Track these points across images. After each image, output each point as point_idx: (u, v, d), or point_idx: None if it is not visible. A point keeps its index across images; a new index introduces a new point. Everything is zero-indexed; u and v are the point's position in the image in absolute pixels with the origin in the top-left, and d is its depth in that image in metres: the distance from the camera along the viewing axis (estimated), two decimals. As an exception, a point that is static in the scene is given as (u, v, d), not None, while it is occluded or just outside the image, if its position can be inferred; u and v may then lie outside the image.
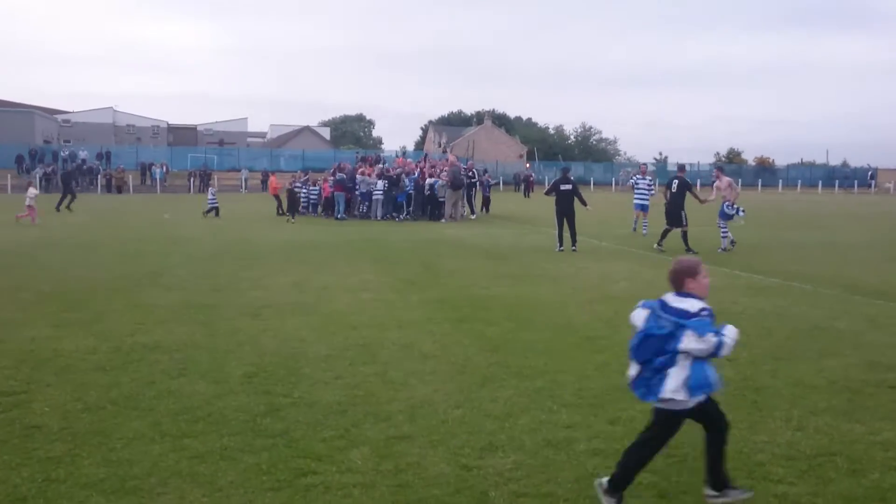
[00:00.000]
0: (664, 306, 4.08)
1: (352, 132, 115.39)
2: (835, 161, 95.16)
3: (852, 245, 19.13)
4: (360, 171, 28.74)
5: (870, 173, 76.99)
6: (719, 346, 3.91)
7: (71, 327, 8.37)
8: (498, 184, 54.52)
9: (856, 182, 74.97)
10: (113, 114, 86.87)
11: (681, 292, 4.14)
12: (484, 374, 6.68)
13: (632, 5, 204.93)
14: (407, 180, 27.99)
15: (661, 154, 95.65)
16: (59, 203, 29.34)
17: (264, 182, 54.04)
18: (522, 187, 51.08)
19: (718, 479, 4.14)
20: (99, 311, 9.31)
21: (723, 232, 17.22)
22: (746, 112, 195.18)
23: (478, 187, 30.53)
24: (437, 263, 14.41)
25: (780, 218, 30.72)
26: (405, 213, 27.68)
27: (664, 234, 17.07)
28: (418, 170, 29.11)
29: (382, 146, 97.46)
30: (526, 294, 10.92)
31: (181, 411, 5.59)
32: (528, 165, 62.74)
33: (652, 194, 21.86)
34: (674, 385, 3.93)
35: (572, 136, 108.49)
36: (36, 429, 5.22)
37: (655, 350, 4.00)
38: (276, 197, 29.34)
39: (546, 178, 57.98)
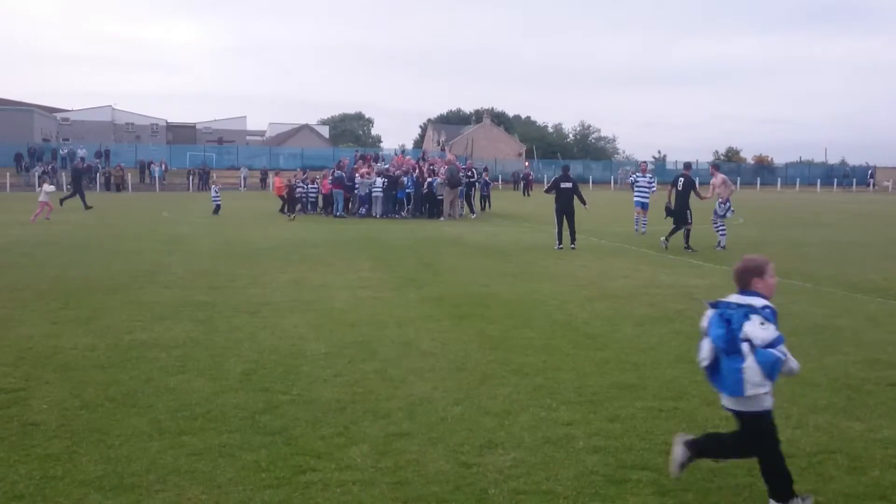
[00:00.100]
0: (729, 305, 4.03)
1: (351, 130, 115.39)
2: (833, 160, 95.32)
3: (852, 243, 19.12)
4: (358, 171, 28.72)
5: (869, 172, 77.01)
6: (779, 341, 3.85)
7: (69, 325, 8.35)
8: (497, 183, 54.46)
9: (854, 181, 75.00)
10: (112, 112, 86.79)
11: (746, 291, 4.10)
12: (483, 371, 6.67)
13: (631, 4, 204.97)
14: (406, 179, 27.98)
15: (659, 152, 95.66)
16: (83, 201, 29.07)
17: (263, 180, 54.23)
18: (522, 186, 51.05)
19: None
20: (97, 308, 9.30)
21: (721, 230, 17.22)
22: (745, 111, 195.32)
23: (477, 186, 30.52)
24: (437, 261, 14.40)
25: (779, 216, 30.72)
26: (405, 210, 27.68)
27: (672, 232, 17.03)
28: (417, 169, 29.10)
29: (381, 144, 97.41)
30: (525, 292, 10.91)
31: (180, 408, 5.58)
32: (526, 164, 62.71)
33: (653, 192, 21.76)
34: (752, 377, 3.88)
35: (571, 135, 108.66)
36: (34, 426, 5.20)
37: (724, 347, 3.96)
38: (282, 196, 29.28)
39: (545, 176, 57.97)
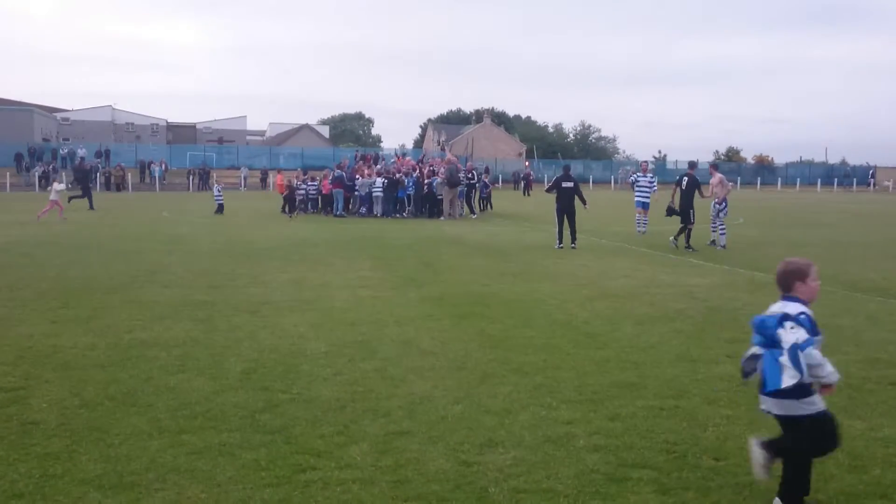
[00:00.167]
0: (766, 319, 4.02)
1: (351, 130, 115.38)
2: (833, 160, 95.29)
3: (852, 243, 19.11)
4: (358, 172, 28.71)
5: (871, 171, 76.97)
6: (808, 343, 3.86)
7: (69, 324, 8.35)
8: (497, 184, 54.43)
9: (854, 180, 74.98)
10: (112, 112, 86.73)
11: (787, 296, 4.08)
12: (483, 370, 6.66)
13: (631, 4, 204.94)
14: (407, 179, 27.97)
15: (660, 152, 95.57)
16: (71, 198, 29.11)
17: (263, 180, 54.24)
18: (522, 185, 51.03)
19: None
20: (97, 307, 9.29)
21: (721, 230, 17.22)
22: (745, 111, 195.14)
23: (477, 188, 30.49)
24: (437, 261, 14.39)
25: (779, 216, 30.72)
26: (406, 210, 27.68)
27: (681, 231, 17.01)
28: (417, 170, 29.08)
29: (381, 144, 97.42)
30: (525, 291, 10.90)
31: (179, 407, 5.57)
32: (527, 164, 62.68)
33: (654, 191, 21.69)
34: (788, 373, 3.89)
35: (571, 135, 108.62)
36: (34, 425, 5.19)
37: (764, 344, 4.01)
38: (284, 195, 29.25)
39: (545, 176, 57.97)
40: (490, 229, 22.43)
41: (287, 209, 27.93)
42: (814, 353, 3.90)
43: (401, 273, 12.66)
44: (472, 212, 28.98)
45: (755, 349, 4.15)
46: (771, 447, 4.08)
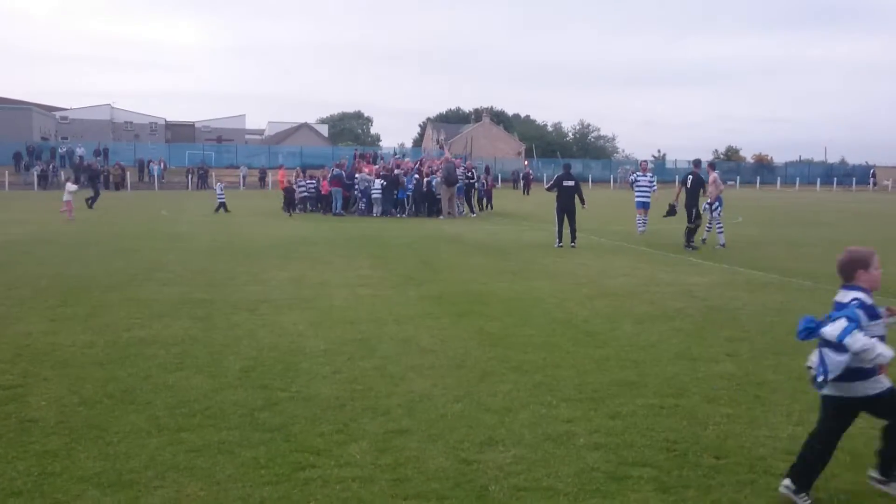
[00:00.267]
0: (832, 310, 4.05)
1: (350, 129, 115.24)
2: (832, 159, 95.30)
3: (852, 242, 19.04)
4: (357, 169, 28.71)
5: (871, 171, 76.98)
6: (848, 330, 3.84)
7: (67, 322, 8.33)
8: (496, 184, 54.41)
9: (854, 179, 75.01)
10: (111, 111, 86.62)
11: (847, 285, 4.09)
12: (483, 368, 6.65)
13: (631, 4, 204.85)
14: (406, 179, 27.96)
15: (659, 151, 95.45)
16: (93, 200, 29.18)
17: (262, 179, 54.23)
18: (522, 185, 51.01)
19: (889, 468, 4.15)
20: (96, 305, 9.28)
21: (718, 228, 17.22)
22: (745, 110, 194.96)
23: (476, 187, 30.46)
24: (436, 259, 14.38)
25: (778, 215, 30.72)
26: (405, 211, 27.66)
27: (691, 231, 16.95)
28: (416, 168, 29.05)
29: (381, 143, 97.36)
30: (525, 289, 10.89)
31: (178, 405, 5.55)
32: (526, 163, 62.67)
33: (654, 191, 21.61)
34: (828, 363, 3.94)
35: (571, 134, 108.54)
36: (32, 422, 5.18)
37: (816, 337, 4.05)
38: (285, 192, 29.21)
39: (545, 175, 57.95)
40: (489, 228, 22.42)
41: (286, 207, 27.93)
42: (853, 341, 3.87)
43: (400, 272, 12.64)
44: (472, 210, 28.97)
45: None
46: (799, 483, 4.09)
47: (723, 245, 16.93)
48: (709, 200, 17.10)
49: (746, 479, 4.36)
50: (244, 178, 54.52)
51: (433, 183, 27.25)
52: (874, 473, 4.25)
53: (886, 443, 4.20)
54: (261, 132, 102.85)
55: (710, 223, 17.42)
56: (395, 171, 28.56)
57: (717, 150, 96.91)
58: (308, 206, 29.00)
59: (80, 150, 56.82)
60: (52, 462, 4.51)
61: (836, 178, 75.09)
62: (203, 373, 6.40)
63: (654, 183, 22.02)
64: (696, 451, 4.78)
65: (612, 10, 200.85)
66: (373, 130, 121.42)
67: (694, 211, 16.75)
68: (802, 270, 13.18)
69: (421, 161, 31.19)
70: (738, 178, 70.95)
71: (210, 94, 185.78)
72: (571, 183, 17.16)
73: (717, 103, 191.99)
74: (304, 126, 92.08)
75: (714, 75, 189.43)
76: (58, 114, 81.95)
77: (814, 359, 4.10)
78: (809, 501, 4.04)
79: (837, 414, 4.12)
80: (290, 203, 27.82)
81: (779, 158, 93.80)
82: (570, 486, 4.26)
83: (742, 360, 7.00)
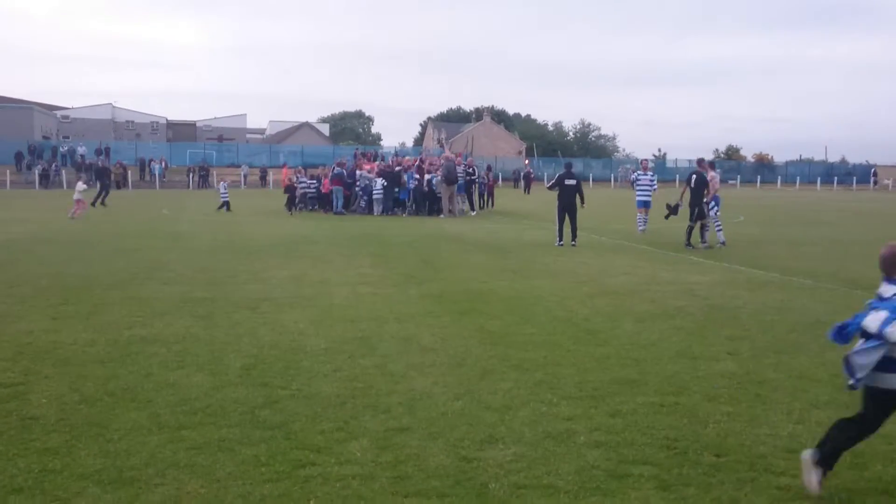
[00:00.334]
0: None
1: (351, 128, 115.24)
2: (833, 158, 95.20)
3: (853, 241, 19.10)
4: (359, 167, 28.72)
5: (872, 170, 76.90)
6: (888, 323, 3.88)
7: (69, 320, 8.34)
8: (497, 182, 54.42)
9: (854, 179, 74.93)
10: (112, 110, 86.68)
11: (890, 278, 4.11)
12: (483, 366, 6.65)
13: (631, 3, 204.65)
14: (407, 177, 27.96)
15: (660, 151, 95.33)
16: (96, 199, 29.24)
17: (263, 178, 54.23)
18: (523, 184, 50.97)
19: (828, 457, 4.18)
20: (97, 304, 9.28)
21: (717, 226, 17.21)
22: (745, 110, 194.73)
23: (476, 182, 30.44)
24: (437, 258, 14.38)
25: (779, 214, 30.70)
26: (406, 210, 27.66)
27: (703, 231, 16.92)
28: (416, 164, 29.03)
29: (382, 142, 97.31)
30: (526, 288, 10.89)
31: (179, 403, 5.56)
32: (526, 162, 62.63)
33: (654, 190, 21.58)
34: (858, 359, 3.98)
35: (571, 133, 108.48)
36: (33, 420, 5.19)
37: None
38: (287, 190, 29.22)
39: (545, 174, 57.94)
40: (490, 227, 22.42)
41: (289, 206, 27.96)
42: (892, 331, 3.91)
43: (401, 270, 12.64)
44: (472, 208, 28.95)
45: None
46: (821, 461, 4.14)
47: (723, 243, 16.93)
48: (705, 200, 17.09)
49: (747, 477, 4.36)
50: (245, 177, 54.54)
51: (433, 182, 27.24)
52: (809, 453, 4.21)
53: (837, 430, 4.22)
54: (262, 131, 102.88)
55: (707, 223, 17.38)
56: (397, 168, 28.54)
57: (717, 150, 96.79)
58: (308, 204, 28.96)
59: (81, 150, 56.83)
60: (52, 459, 4.51)
61: (836, 178, 74.99)
62: (204, 371, 6.41)
63: (655, 182, 21.99)
64: (696, 450, 4.78)
65: (612, 10, 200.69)
66: (374, 130, 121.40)
67: (696, 210, 16.73)
68: (803, 269, 13.17)
69: (422, 158, 31.17)
70: (739, 177, 70.88)
71: (211, 93, 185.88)
72: (573, 182, 17.17)
73: (718, 103, 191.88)
74: (306, 125, 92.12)
75: (714, 75, 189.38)
76: (59, 113, 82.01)
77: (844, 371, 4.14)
78: (822, 477, 4.09)
79: (877, 405, 4.16)
80: (291, 201, 27.86)
81: (779, 158, 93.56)
82: (571, 484, 4.26)
83: (743, 358, 7.00)
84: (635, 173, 23.76)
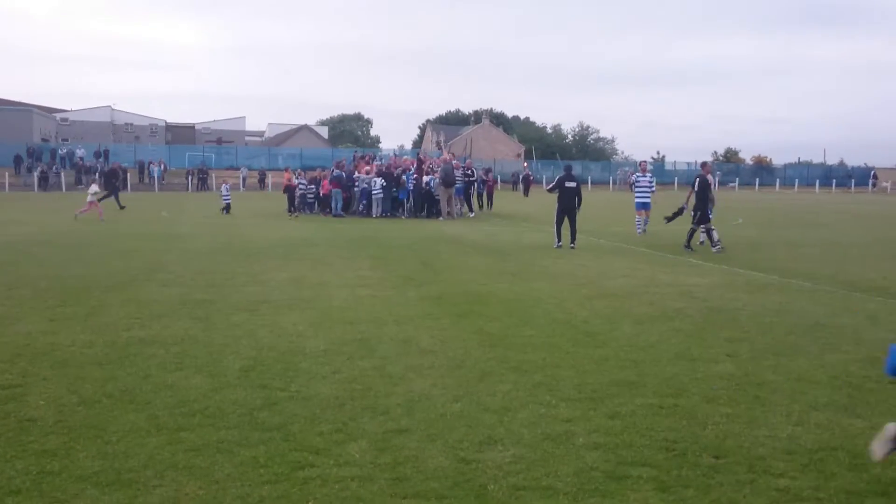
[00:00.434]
0: None
1: (350, 131, 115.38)
2: (831, 161, 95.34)
3: (851, 243, 19.11)
4: (357, 169, 28.73)
5: (872, 172, 77.00)
6: None
7: (67, 322, 8.32)
8: (496, 184, 54.42)
9: (853, 181, 75.02)
10: (111, 112, 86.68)
11: None
12: (482, 368, 6.65)
13: (631, 4, 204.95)
14: (406, 177, 27.98)
15: (658, 153, 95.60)
16: (117, 202, 29.15)
17: (262, 180, 54.25)
18: (522, 187, 51.01)
19: None
20: (95, 306, 9.27)
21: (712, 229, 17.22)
22: (744, 111, 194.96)
23: (475, 186, 30.46)
24: (436, 260, 14.38)
25: (777, 216, 30.72)
26: (404, 211, 27.67)
27: (709, 234, 16.92)
28: (414, 166, 29.04)
29: (380, 145, 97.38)
30: (525, 290, 10.88)
31: (177, 405, 5.55)
32: (525, 165, 62.70)
33: (653, 192, 21.58)
34: None
35: (570, 136, 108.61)
36: (31, 422, 5.17)
37: None
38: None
39: (544, 177, 57.97)
40: (489, 229, 22.42)
41: (290, 208, 27.99)
42: None
43: (400, 272, 12.64)
44: (471, 210, 28.95)
45: None
46: None
47: (702, 243, 16.89)
48: (689, 201, 17.12)
49: (746, 479, 4.36)
50: (244, 179, 54.57)
51: (431, 184, 27.26)
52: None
53: None
54: (261, 134, 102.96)
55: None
56: (396, 172, 28.53)
57: (715, 152, 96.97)
58: (306, 207, 28.93)
59: (80, 152, 56.85)
60: (50, 461, 4.50)
61: (834, 180, 75.10)
62: (202, 372, 6.40)
63: (654, 184, 21.99)
64: (695, 451, 4.77)
65: (612, 10, 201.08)
66: (372, 132, 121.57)
67: (699, 214, 16.72)
68: (802, 271, 13.18)
69: (420, 158, 31.19)
70: (738, 179, 70.97)
71: (210, 95, 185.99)
72: (573, 184, 17.19)
73: (717, 104, 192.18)
74: (304, 128, 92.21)
75: (714, 76, 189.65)
76: (58, 115, 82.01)
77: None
78: (889, 453, 4.16)
79: None
80: (291, 201, 27.89)
81: (778, 160, 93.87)
82: (570, 486, 4.25)
83: (741, 360, 6.99)
84: (635, 175, 23.78)
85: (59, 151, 57.58)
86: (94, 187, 25.79)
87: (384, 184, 27.34)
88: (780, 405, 5.72)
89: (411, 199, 27.83)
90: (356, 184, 28.11)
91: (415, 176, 28.04)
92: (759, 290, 11.13)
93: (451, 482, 4.28)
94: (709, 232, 16.86)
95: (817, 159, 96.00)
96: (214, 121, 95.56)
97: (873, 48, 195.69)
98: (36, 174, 49.43)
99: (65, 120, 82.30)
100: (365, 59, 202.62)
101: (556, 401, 5.75)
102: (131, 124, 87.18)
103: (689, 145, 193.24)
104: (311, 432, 5.04)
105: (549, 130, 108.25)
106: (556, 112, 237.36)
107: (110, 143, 68.09)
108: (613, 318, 8.91)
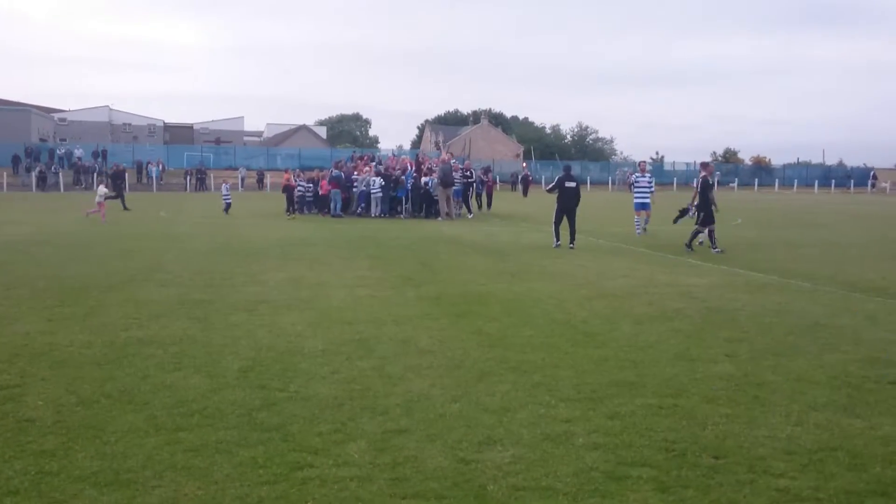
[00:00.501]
0: None
1: (348, 131, 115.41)
2: (830, 161, 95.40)
3: (850, 243, 19.12)
4: (356, 170, 28.73)
5: (871, 173, 77.05)
6: None
7: (65, 322, 8.31)
8: (495, 183, 54.42)
9: (852, 182, 75.08)
10: (109, 112, 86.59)
11: None
12: (482, 368, 6.64)
13: (629, 4, 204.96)
14: (405, 177, 27.97)
15: (657, 153, 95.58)
16: (123, 203, 29.26)
17: (260, 181, 54.23)
18: (521, 187, 51.01)
19: None
20: (93, 306, 9.26)
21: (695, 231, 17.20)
22: (743, 112, 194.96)
23: (474, 186, 30.44)
24: (435, 260, 14.37)
25: (776, 217, 30.74)
26: (403, 210, 27.66)
27: (710, 236, 16.88)
28: (412, 167, 29.03)
29: (379, 145, 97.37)
30: (524, 290, 10.88)
31: (176, 405, 5.53)
32: (524, 165, 62.71)
33: (652, 192, 21.56)
34: None
35: (569, 136, 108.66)
36: (29, 422, 5.16)
37: None
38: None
39: (543, 177, 57.97)
40: (488, 229, 22.41)
41: (289, 208, 27.98)
42: None
43: (398, 272, 12.63)
44: (469, 211, 28.95)
45: None
46: None
47: (690, 245, 16.82)
48: (696, 202, 17.09)
49: (745, 479, 4.35)
50: (242, 179, 54.53)
51: (430, 184, 27.25)
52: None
53: None
54: (259, 134, 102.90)
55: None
56: (395, 173, 28.51)
57: (714, 153, 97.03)
58: (305, 208, 28.91)
59: (78, 152, 56.78)
60: (49, 461, 4.49)
61: (833, 181, 75.16)
62: (201, 373, 6.39)
63: (653, 184, 21.97)
64: (694, 451, 4.77)
65: (612, 10, 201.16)
66: (371, 132, 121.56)
67: (702, 214, 16.70)
68: (801, 272, 13.18)
69: (420, 159, 31.17)
70: (737, 180, 71.01)
71: (209, 95, 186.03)
72: (573, 184, 17.21)
73: (717, 104, 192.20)
74: (303, 128, 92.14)
75: (714, 76, 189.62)
76: (56, 115, 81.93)
77: None
78: None
79: None
80: (290, 201, 27.88)
81: (777, 160, 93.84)
82: (569, 486, 4.25)
83: (741, 360, 6.99)
84: (634, 175, 23.77)
85: (58, 151, 57.51)
86: (103, 188, 25.82)
87: (383, 183, 27.33)
88: (780, 405, 5.71)
89: (410, 197, 27.82)
90: (355, 184, 28.10)
91: (414, 175, 28.03)
92: (758, 290, 11.13)
93: (450, 482, 4.28)
94: (711, 233, 16.85)
95: (816, 160, 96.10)
96: (213, 121, 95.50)
97: (873, 48, 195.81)
98: (34, 174, 49.41)
99: (63, 120, 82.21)
100: (364, 59, 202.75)
101: (556, 401, 5.74)
102: (129, 124, 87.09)
103: (689, 146, 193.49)
104: (310, 433, 5.03)
105: (549, 131, 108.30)
106: (555, 112, 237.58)
107: (108, 144, 68.02)
108: (613, 318, 8.90)
